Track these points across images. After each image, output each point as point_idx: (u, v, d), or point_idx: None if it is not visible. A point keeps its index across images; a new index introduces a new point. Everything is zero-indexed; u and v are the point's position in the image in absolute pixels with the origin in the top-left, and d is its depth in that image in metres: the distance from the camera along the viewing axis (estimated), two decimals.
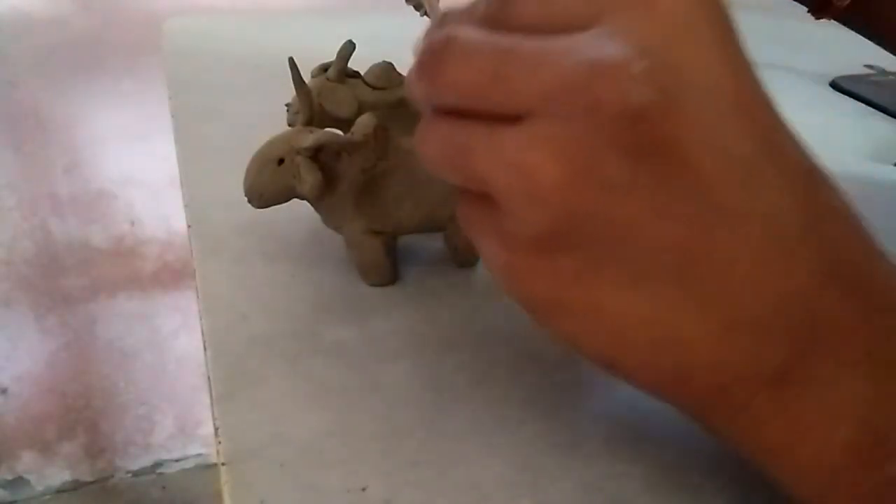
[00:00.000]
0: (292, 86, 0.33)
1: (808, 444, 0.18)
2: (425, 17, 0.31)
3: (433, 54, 0.19)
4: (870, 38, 0.40)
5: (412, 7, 0.33)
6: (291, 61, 0.32)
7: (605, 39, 0.17)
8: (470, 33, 0.19)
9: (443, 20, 0.22)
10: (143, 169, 1.05)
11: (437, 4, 0.28)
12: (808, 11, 0.38)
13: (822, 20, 0.38)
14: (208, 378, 0.28)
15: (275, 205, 0.32)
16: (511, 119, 0.18)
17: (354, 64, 0.35)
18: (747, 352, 0.18)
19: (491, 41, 0.18)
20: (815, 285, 0.18)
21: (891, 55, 0.41)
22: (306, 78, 0.34)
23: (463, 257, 0.34)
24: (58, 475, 1.24)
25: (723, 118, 0.17)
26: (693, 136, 0.17)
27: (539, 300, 0.19)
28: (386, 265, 0.33)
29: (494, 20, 0.19)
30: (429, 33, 0.21)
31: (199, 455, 1.32)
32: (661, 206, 0.17)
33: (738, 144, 0.17)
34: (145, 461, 1.29)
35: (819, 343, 0.18)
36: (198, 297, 0.32)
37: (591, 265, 0.18)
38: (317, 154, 0.30)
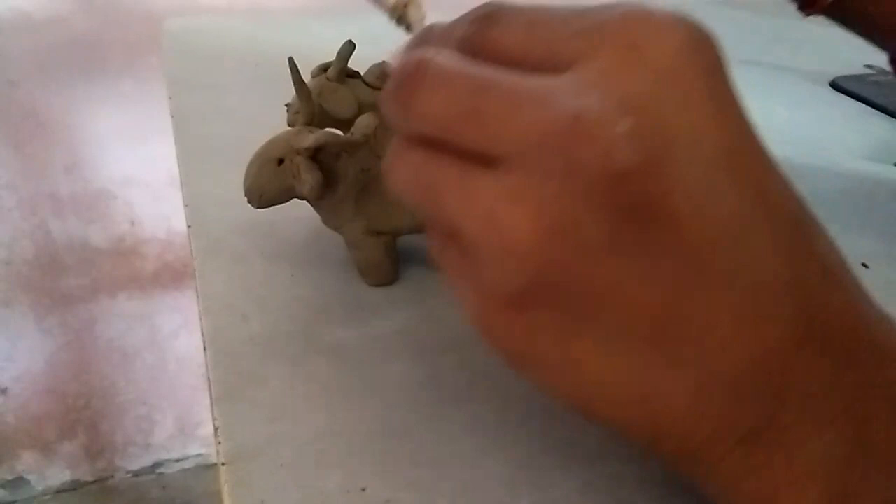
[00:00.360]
0: (292, 86, 0.33)
1: (781, 502, 0.18)
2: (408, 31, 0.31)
3: (406, 79, 0.19)
4: (856, 33, 0.40)
5: (395, 22, 0.32)
6: (291, 61, 0.32)
7: (587, 88, 0.16)
8: (447, 59, 0.18)
9: (423, 37, 0.21)
10: (143, 169, 1.05)
11: (423, 21, 0.28)
12: (798, 9, 0.38)
13: (811, 17, 0.38)
14: (208, 378, 0.28)
15: (275, 205, 0.32)
16: (484, 159, 0.17)
17: (354, 64, 0.35)
18: (721, 412, 0.18)
19: (468, 72, 0.18)
20: (792, 345, 0.17)
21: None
22: (306, 78, 0.34)
23: None
24: (58, 475, 1.24)
25: (710, 175, 0.17)
26: (678, 197, 0.16)
27: (514, 353, 0.19)
28: (386, 265, 0.33)
29: (474, 43, 0.19)
30: (407, 50, 0.20)
31: (199, 455, 1.32)
32: (643, 268, 0.17)
33: (726, 202, 0.17)
34: (145, 461, 1.29)
35: (794, 402, 0.18)
36: (198, 297, 0.32)
37: (569, 322, 0.18)
38: (317, 154, 0.30)
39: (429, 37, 0.21)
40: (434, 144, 0.18)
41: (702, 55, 0.17)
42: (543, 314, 0.18)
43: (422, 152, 0.19)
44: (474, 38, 0.19)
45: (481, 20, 0.19)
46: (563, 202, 0.16)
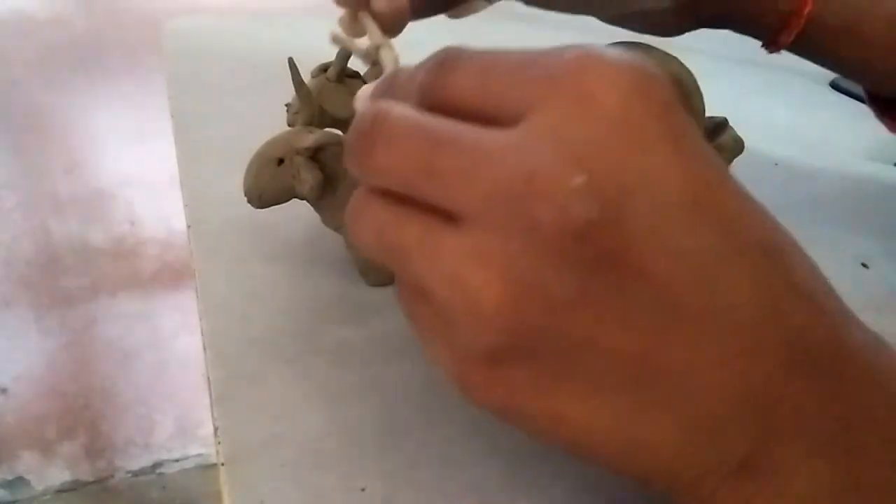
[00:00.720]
0: (292, 86, 0.33)
1: None
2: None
3: (363, 134, 0.19)
4: (826, 68, 0.41)
5: (369, 65, 0.32)
6: (291, 62, 0.32)
7: (540, 143, 0.16)
8: (403, 114, 0.18)
9: (387, 83, 0.21)
10: (143, 169, 1.05)
11: (396, 61, 0.28)
12: (762, 46, 0.38)
13: (773, 53, 0.39)
14: (208, 378, 0.28)
15: (275, 205, 0.32)
16: (447, 214, 0.17)
17: (354, 64, 0.35)
18: (709, 449, 0.18)
19: (424, 127, 0.18)
20: (776, 376, 0.17)
21: None
22: (306, 78, 0.34)
23: None
24: (58, 475, 1.24)
25: (673, 217, 0.16)
26: (641, 243, 0.16)
27: (496, 409, 0.19)
28: (386, 265, 0.33)
29: (433, 91, 0.19)
30: (373, 97, 0.21)
31: (199, 455, 1.32)
32: (615, 317, 0.17)
33: (692, 240, 0.17)
34: (145, 461, 1.29)
35: (781, 432, 0.18)
36: (198, 297, 0.32)
37: (547, 376, 0.18)
38: (317, 154, 0.30)
39: (392, 83, 0.21)
40: (396, 196, 0.18)
41: (652, 97, 0.17)
42: (520, 371, 0.18)
43: (384, 206, 0.19)
44: (432, 86, 0.19)
45: (438, 67, 0.19)
46: (526, 261, 0.16)
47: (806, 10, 0.35)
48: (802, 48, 0.37)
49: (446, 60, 0.19)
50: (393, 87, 0.21)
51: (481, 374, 0.18)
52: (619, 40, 0.34)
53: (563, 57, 0.17)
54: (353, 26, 0.30)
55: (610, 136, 0.16)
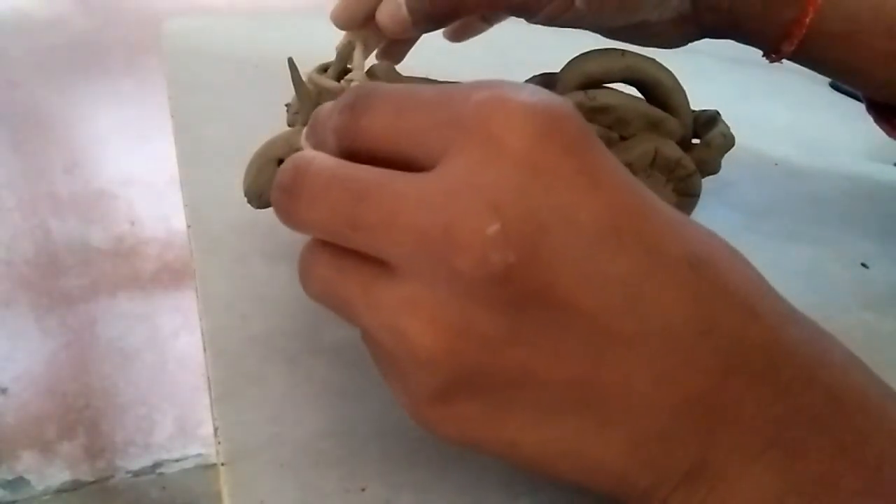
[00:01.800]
0: (292, 86, 0.33)
1: None
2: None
3: (286, 189, 0.19)
4: (827, 77, 0.41)
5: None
6: (291, 61, 0.32)
7: (454, 192, 0.17)
8: (323, 165, 0.19)
9: (311, 124, 0.22)
10: (143, 169, 1.05)
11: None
12: (763, 55, 0.39)
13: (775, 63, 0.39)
14: (208, 378, 0.28)
15: None
16: (383, 262, 0.18)
17: None
18: (657, 460, 0.18)
19: (344, 178, 0.18)
20: (715, 384, 0.18)
21: None
22: (306, 78, 0.34)
23: None
24: (58, 475, 1.24)
25: (592, 247, 0.17)
26: (563, 278, 0.17)
27: (454, 440, 0.19)
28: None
29: (348, 133, 0.19)
30: (304, 139, 0.22)
31: (199, 455, 1.32)
32: (549, 348, 0.17)
33: (615, 267, 0.17)
34: (145, 461, 1.29)
35: (724, 439, 0.18)
36: (198, 297, 0.32)
37: (495, 409, 0.18)
38: None
39: (315, 124, 0.22)
40: (338, 246, 0.19)
41: (560, 133, 0.17)
42: (469, 405, 0.18)
43: (329, 258, 0.20)
44: (347, 127, 0.20)
45: (350, 109, 0.20)
46: (454, 307, 0.17)
47: (807, 20, 0.35)
48: (803, 57, 0.38)
49: (357, 103, 0.20)
50: (316, 128, 0.21)
51: (434, 411, 0.19)
52: (611, 46, 0.34)
53: (470, 100, 0.18)
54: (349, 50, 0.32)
55: (521, 179, 0.17)
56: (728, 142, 0.34)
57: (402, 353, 0.18)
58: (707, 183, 0.34)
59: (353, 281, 0.19)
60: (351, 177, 0.18)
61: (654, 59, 0.33)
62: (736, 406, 0.18)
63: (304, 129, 0.23)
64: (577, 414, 0.18)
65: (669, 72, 0.33)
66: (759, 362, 0.18)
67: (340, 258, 0.19)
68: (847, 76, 0.40)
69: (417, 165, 0.18)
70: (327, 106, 0.21)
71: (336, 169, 0.19)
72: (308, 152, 0.20)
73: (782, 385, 0.18)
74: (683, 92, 0.33)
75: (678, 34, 0.37)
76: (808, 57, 0.38)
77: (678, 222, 0.19)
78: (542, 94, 0.18)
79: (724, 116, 0.36)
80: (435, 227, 0.17)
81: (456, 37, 0.42)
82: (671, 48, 0.38)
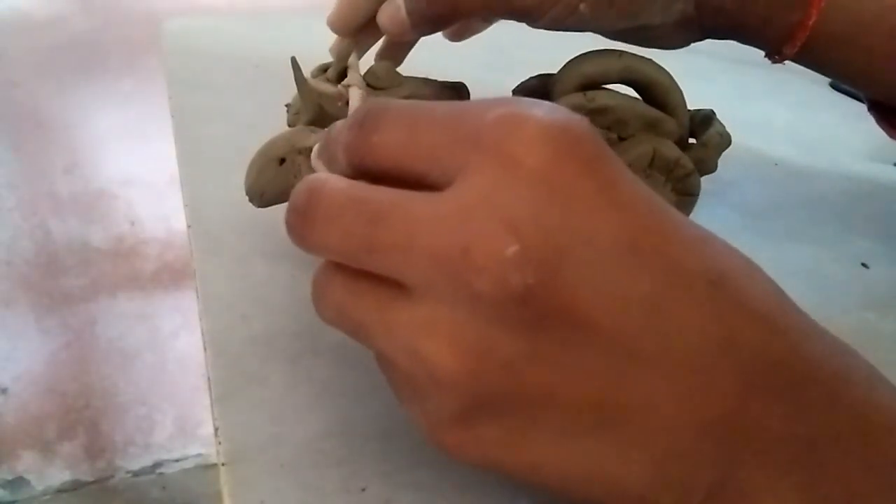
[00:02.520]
0: (292, 86, 0.33)
1: None
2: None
3: (301, 212, 0.19)
4: (830, 77, 0.41)
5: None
6: (294, 61, 0.32)
7: (472, 213, 0.17)
8: (336, 187, 0.19)
9: (323, 143, 0.22)
10: (143, 169, 1.05)
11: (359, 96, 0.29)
12: (765, 56, 0.39)
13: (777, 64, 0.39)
14: (208, 378, 0.28)
15: (276, 204, 0.32)
16: (398, 284, 0.18)
17: None
18: (681, 480, 0.18)
19: (358, 200, 0.18)
20: (735, 404, 0.18)
21: None
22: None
23: None
24: (58, 475, 1.24)
25: (612, 266, 0.17)
26: (583, 297, 0.16)
27: (476, 463, 0.19)
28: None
29: (357, 152, 0.19)
30: (314, 156, 0.22)
31: (199, 455, 1.31)
32: (570, 368, 0.17)
33: (634, 286, 0.17)
34: (145, 461, 1.29)
35: (746, 457, 0.18)
36: (198, 297, 0.32)
37: (516, 431, 0.18)
38: None
39: (326, 143, 0.21)
40: (352, 269, 0.19)
41: (577, 154, 0.17)
42: (490, 429, 0.18)
43: (343, 282, 0.19)
44: (357, 145, 0.19)
45: (360, 126, 0.19)
46: (474, 328, 0.17)
47: (810, 23, 0.35)
48: (806, 59, 0.38)
49: (367, 120, 0.19)
50: (328, 146, 0.21)
51: (454, 435, 0.19)
52: (610, 47, 0.34)
53: (485, 118, 0.17)
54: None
55: (539, 199, 0.17)
56: (724, 141, 0.35)
57: (420, 375, 0.18)
58: (707, 183, 0.34)
59: (369, 304, 0.19)
60: (366, 198, 0.18)
61: (651, 60, 0.33)
62: (759, 425, 0.18)
63: (316, 147, 0.23)
64: (598, 434, 0.18)
65: (666, 72, 0.33)
66: (782, 379, 0.18)
67: (355, 281, 0.19)
68: (850, 77, 0.40)
69: (430, 184, 0.18)
70: (339, 123, 0.21)
71: (350, 190, 0.19)
72: (321, 174, 0.20)
73: (805, 403, 0.18)
74: (680, 92, 0.33)
75: (681, 36, 0.37)
76: (811, 58, 0.38)
77: (698, 238, 0.18)
78: (559, 112, 0.18)
79: (723, 117, 0.36)
80: (453, 248, 0.16)
81: (455, 36, 0.42)
82: (673, 49, 0.38)
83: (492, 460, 0.19)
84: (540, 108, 0.17)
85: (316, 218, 0.19)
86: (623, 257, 0.17)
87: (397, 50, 0.39)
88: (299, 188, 0.20)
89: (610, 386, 0.17)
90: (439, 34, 0.38)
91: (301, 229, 0.19)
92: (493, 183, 0.17)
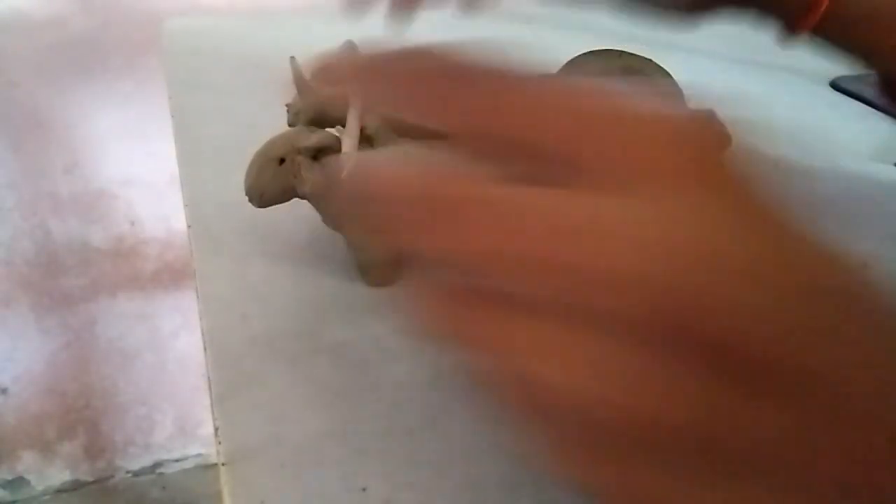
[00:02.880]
0: (292, 86, 0.33)
1: None
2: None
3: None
4: (844, 54, 0.41)
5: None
6: (294, 61, 0.32)
7: (601, 224, 0.15)
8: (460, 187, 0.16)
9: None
10: (143, 169, 1.05)
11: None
12: (781, 30, 0.38)
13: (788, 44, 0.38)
14: (208, 378, 0.28)
15: (275, 204, 0.32)
16: (517, 299, 0.16)
17: None
18: None
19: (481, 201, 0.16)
20: None
21: None
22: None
23: None
24: (58, 475, 1.24)
25: (752, 291, 0.15)
26: (722, 322, 0.15)
27: (611, 499, 0.17)
28: (386, 265, 0.33)
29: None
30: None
31: (199, 455, 1.31)
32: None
33: (774, 313, 0.15)
34: (145, 461, 1.29)
35: None
36: (198, 297, 0.32)
37: (662, 470, 0.16)
38: (318, 154, 0.30)
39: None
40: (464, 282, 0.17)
41: (712, 167, 0.16)
42: (631, 462, 0.16)
43: (454, 293, 0.17)
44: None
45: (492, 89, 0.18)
46: (604, 351, 0.15)
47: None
48: (822, 35, 0.37)
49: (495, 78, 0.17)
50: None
51: (590, 466, 0.16)
52: (608, 43, 0.34)
53: (616, 124, 0.16)
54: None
55: (670, 215, 0.15)
56: (724, 141, 0.34)
57: (543, 400, 0.16)
58: None
59: (488, 320, 0.17)
60: (490, 198, 0.16)
61: (651, 60, 0.33)
62: None
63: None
64: (755, 479, 0.16)
65: (666, 71, 0.33)
66: None
67: (472, 296, 0.17)
68: (866, 56, 0.39)
69: (544, 178, 0.16)
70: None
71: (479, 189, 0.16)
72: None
73: None
74: (681, 92, 0.33)
75: (695, 5, 0.36)
76: (827, 35, 0.36)
77: (827, 250, 0.17)
78: (696, 122, 0.16)
79: (723, 117, 0.36)
80: (577, 263, 0.15)
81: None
82: (682, 23, 0.37)
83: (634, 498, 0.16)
84: (676, 119, 0.16)
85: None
86: (766, 282, 0.15)
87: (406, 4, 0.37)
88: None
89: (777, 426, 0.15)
90: (440, 34, 0.38)
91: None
92: (626, 190, 0.15)
